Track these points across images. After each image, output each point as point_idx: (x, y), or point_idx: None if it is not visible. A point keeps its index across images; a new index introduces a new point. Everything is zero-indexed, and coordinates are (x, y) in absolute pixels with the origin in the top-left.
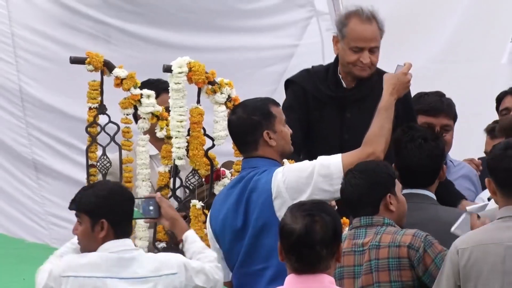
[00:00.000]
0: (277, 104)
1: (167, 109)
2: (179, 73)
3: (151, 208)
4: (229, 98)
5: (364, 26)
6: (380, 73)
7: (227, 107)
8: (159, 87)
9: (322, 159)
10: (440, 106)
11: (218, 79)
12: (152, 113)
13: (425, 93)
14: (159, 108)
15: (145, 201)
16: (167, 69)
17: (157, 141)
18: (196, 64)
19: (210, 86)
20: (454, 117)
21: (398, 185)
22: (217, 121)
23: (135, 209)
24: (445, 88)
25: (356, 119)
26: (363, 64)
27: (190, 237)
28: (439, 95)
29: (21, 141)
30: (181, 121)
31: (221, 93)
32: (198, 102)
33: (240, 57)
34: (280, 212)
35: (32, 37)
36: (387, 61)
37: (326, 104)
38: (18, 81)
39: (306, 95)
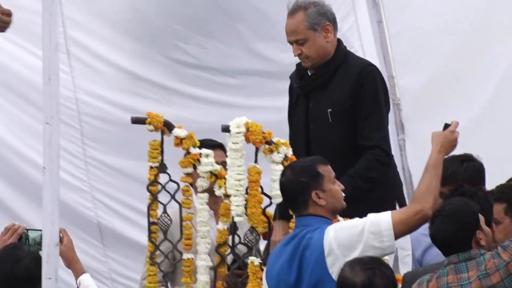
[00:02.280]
0: (325, 162)
1: (224, 166)
2: (237, 133)
3: (41, 240)
4: (285, 158)
5: (286, 21)
6: (350, 62)
7: (283, 166)
8: (209, 145)
9: (372, 216)
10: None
11: (275, 139)
12: (211, 172)
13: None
14: (218, 167)
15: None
16: (225, 129)
17: (211, 197)
18: (253, 125)
19: (267, 146)
20: (473, 182)
21: (481, 219)
22: (274, 180)
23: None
24: (484, 148)
25: (316, 107)
26: (297, 56)
27: (83, 281)
28: (461, 159)
29: (86, 204)
30: (239, 180)
31: (278, 152)
32: (256, 161)
33: None
34: (333, 268)
35: (95, 102)
36: (432, 121)
37: (300, 96)
38: (82, 145)
39: (292, 90)
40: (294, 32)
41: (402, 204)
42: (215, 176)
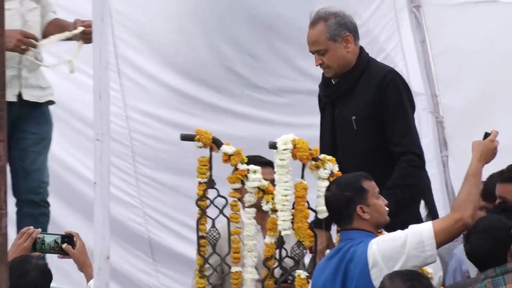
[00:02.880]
0: (369, 178)
1: (273, 183)
2: (284, 149)
3: (56, 245)
4: (331, 174)
5: (308, 31)
6: (372, 70)
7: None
8: (258, 162)
9: (413, 227)
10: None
11: (321, 156)
12: (258, 188)
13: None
14: (265, 183)
15: (58, 237)
16: (273, 146)
17: (258, 212)
18: (300, 141)
19: (313, 162)
20: None
21: None
22: (320, 195)
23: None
24: None
25: (341, 115)
26: (318, 66)
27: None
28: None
29: (136, 220)
30: (286, 195)
31: (324, 168)
32: (302, 177)
33: None
34: (377, 281)
35: (145, 120)
36: (475, 139)
37: (326, 104)
38: (133, 162)
39: (320, 98)
40: (314, 42)
41: (430, 206)
42: (263, 192)
